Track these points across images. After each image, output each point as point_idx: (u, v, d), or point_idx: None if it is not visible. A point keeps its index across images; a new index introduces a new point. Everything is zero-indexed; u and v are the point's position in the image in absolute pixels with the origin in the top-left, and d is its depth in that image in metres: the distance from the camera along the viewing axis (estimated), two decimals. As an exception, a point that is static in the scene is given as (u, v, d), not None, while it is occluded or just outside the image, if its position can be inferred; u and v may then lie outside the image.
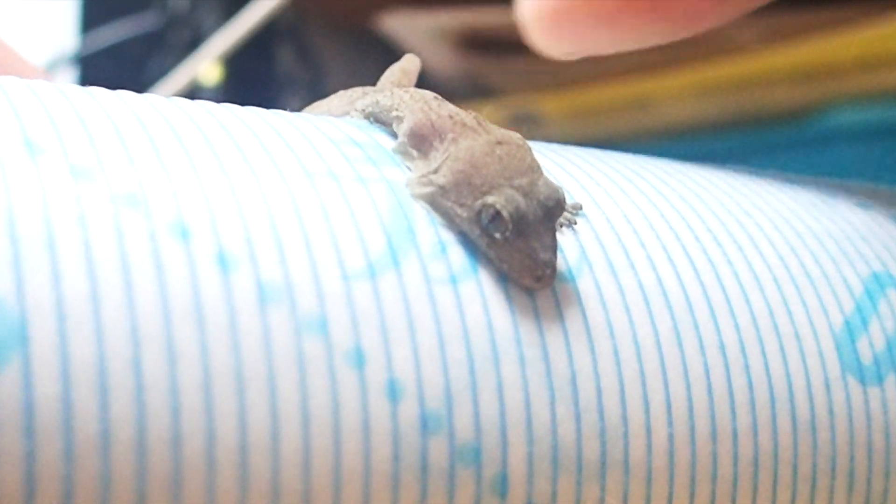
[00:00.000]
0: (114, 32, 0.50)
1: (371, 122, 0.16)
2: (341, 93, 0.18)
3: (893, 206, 0.19)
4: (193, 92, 0.45)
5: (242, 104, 0.16)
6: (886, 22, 0.35)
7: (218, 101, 0.16)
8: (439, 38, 0.45)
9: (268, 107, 0.17)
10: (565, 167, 0.16)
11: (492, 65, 0.46)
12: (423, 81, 0.18)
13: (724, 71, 0.39)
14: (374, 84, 0.19)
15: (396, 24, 0.46)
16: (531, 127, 0.43)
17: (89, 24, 0.50)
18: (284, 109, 0.17)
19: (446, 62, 0.46)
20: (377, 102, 0.16)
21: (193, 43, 0.48)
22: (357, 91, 0.18)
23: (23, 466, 0.10)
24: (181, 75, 0.44)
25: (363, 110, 0.17)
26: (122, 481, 0.11)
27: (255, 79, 0.49)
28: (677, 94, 0.40)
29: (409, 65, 0.19)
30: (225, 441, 0.11)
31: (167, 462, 0.11)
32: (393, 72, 0.19)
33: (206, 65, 0.45)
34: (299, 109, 0.19)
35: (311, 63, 0.52)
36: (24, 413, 0.10)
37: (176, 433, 0.11)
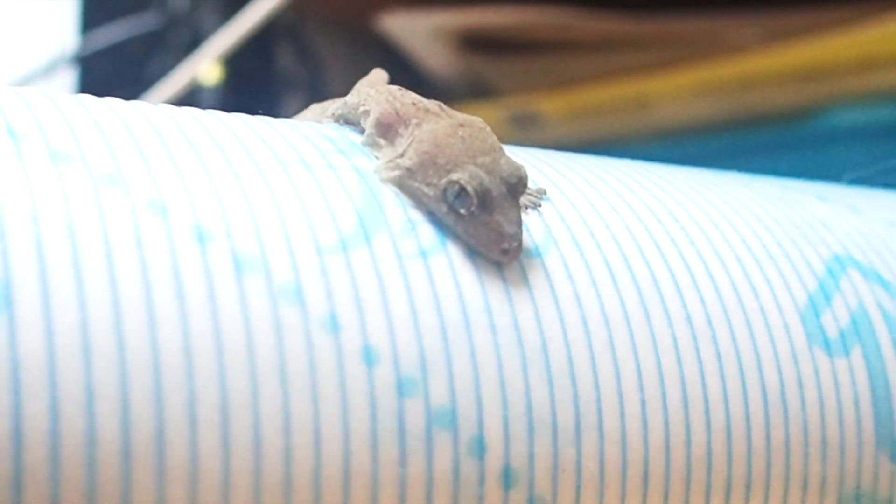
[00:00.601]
0: (114, 32, 0.50)
1: (342, 125, 0.17)
2: (314, 105, 0.19)
3: (850, 202, 0.19)
4: (193, 92, 0.45)
5: (242, 104, 0.17)
6: (886, 22, 0.35)
7: (218, 100, 0.16)
8: (439, 38, 0.45)
9: (268, 107, 0.17)
10: (529, 161, 0.17)
11: (492, 65, 0.46)
12: (423, 81, 0.18)
13: (724, 71, 0.39)
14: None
15: (396, 24, 0.46)
16: (531, 127, 0.43)
17: (89, 24, 0.50)
18: (284, 109, 0.17)
19: (446, 62, 0.46)
20: (346, 104, 0.17)
21: (193, 43, 0.48)
22: (328, 102, 0.18)
23: (10, 420, 0.11)
24: (181, 75, 0.44)
25: (334, 114, 0.17)
26: (106, 436, 0.11)
27: (255, 79, 0.49)
28: (677, 94, 0.40)
29: (377, 78, 0.19)
30: (206, 399, 0.12)
31: (150, 418, 0.12)
32: (362, 84, 0.19)
33: (206, 65, 0.45)
34: (299, 110, 0.19)
35: (311, 63, 0.52)
36: (10, 370, 0.11)
37: (158, 390, 0.12)
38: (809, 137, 0.38)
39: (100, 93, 0.17)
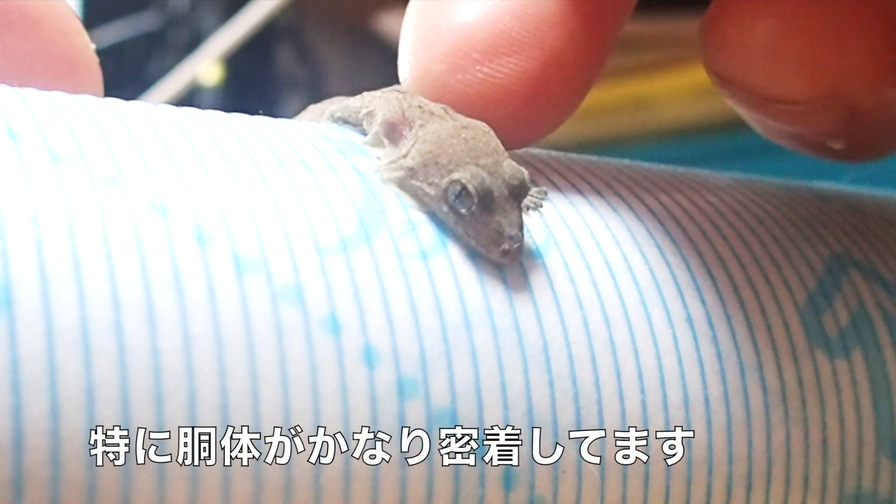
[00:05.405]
0: (114, 32, 0.50)
1: (341, 125, 0.17)
2: (311, 107, 0.19)
3: (850, 201, 0.19)
4: (193, 92, 0.45)
5: (242, 104, 0.17)
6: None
7: (218, 100, 0.16)
8: (439, 38, 0.45)
9: (268, 107, 0.17)
10: (529, 160, 0.17)
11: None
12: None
13: (724, 71, 0.39)
14: (372, 86, 0.19)
15: (396, 24, 0.46)
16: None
17: (89, 24, 0.50)
18: (284, 109, 0.17)
19: (446, 62, 0.46)
20: (346, 107, 0.17)
21: (193, 43, 0.48)
22: (325, 102, 0.18)
23: (11, 421, 0.11)
24: (181, 75, 0.44)
25: (332, 115, 0.17)
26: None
27: (255, 79, 0.49)
28: (677, 94, 0.40)
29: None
30: (206, 401, 0.12)
31: (151, 419, 0.12)
32: (367, 94, 0.19)
33: (206, 65, 0.45)
34: (299, 110, 0.19)
35: (311, 63, 0.52)
36: (10, 370, 0.11)
37: (158, 391, 0.12)
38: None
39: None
